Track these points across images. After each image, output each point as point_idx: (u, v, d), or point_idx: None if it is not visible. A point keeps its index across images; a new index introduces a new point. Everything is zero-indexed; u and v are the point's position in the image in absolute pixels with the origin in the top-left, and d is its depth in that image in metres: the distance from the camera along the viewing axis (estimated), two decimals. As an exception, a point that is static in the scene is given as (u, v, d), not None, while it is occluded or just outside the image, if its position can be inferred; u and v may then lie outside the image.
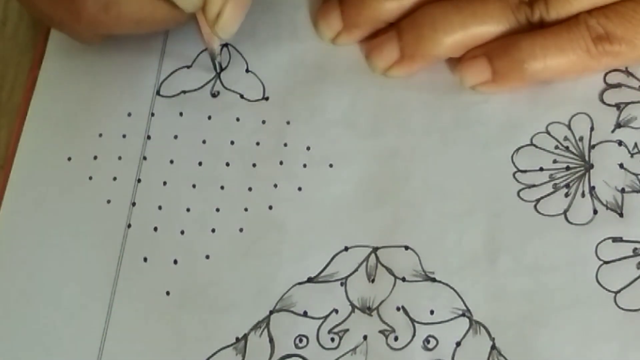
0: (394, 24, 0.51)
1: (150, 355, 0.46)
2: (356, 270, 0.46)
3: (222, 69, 0.51)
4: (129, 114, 0.51)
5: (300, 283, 0.46)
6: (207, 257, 0.48)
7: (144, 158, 0.50)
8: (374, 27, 0.51)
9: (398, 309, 0.45)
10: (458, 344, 0.44)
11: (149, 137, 0.50)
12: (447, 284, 0.45)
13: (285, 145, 0.50)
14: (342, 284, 0.46)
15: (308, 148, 0.49)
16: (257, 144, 0.50)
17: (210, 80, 0.51)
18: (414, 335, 0.45)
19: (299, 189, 0.49)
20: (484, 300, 0.45)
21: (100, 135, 0.50)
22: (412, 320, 0.45)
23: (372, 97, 0.51)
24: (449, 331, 0.45)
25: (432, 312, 0.45)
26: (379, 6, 0.50)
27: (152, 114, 0.51)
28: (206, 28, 0.48)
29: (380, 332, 0.45)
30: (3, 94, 0.53)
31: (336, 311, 0.46)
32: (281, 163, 0.49)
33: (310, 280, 0.46)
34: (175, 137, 0.50)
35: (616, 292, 0.45)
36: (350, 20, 0.51)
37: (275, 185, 0.49)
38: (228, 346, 0.46)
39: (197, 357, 0.45)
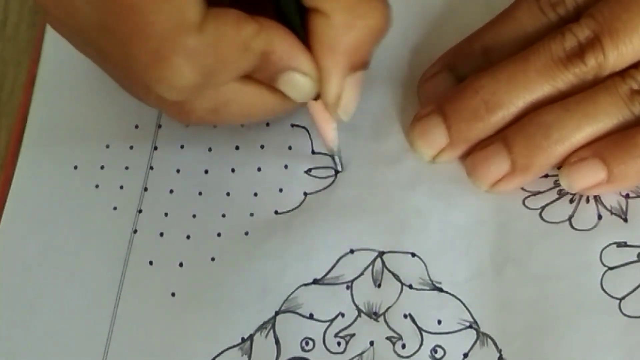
0: (495, 133, 0.47)
1: (155, 355, 0.46)
2: (362, 274, 0.47)
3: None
4: (136, 126, 0.51)
5: (305, 284, 0.47)
6: (213, 259, 0.48)
7: (151, 168, 0.50)
8: (481, 139, 0.48)
9: (405, 316, 0.46)
10: (465, 355, 0.45)
11: (155, 148, 0.50)
12: (454, 295, 0.46)
13: (290, 148, 0.50)
14: (347, 287, 0.46)
15: (313, 152, 0.50)
16: (262, 147, 0.50)
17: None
18: (421, 344, 0.45)
19: (305, 193, 0.49)
20: (491, 312, 0.45)
21: (108, 146, 0.51)
22: (420, 329, 0.45)
23: (376, 98, 0.51)
24: (457, 342, 0.45)
25: (439, 322, 0.45)
26: (493, 117, 0.47)
27: (159, 126, 0.51)
28: (322, 115, 0.46)
29: (388, 338, 0.45)
30: (3, 94, 0.53)
31: (342, 315, 0.46)
32: (286, 167, 0.49)
33: (315, 282, 0.47)
34: (182, 146, 0.50)
35: (620, 299, 0.45)
36: (460, 135, 0.47)
37: (281, 190, 0.49)
38: (234, 346, 0.46)
39: (202, 357, 0.46)
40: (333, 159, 0.48)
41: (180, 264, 0.48)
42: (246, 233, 0.48)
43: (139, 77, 0.42)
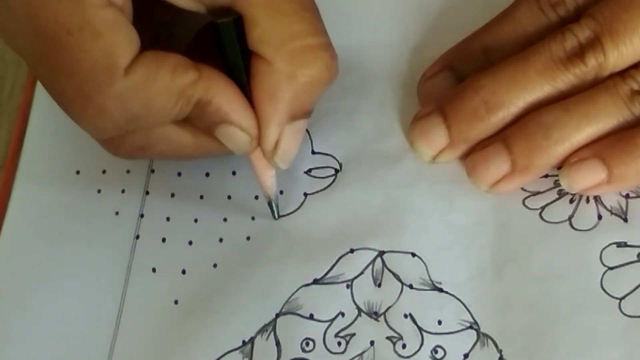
0: (495, 133, 0.47)
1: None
2: (362, 273, 0.47)
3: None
4: None
5: (306, 285, 0.47)
6: (215, 265, 0.48)
7: (152, 171, 0.50)
8: (481, 139, 0.48)
9: (405, 316, 0.46)
10: (466, 355, 0.45)
11: None
12: (454, 296, 0.46)
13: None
14: (347, 287, 0.46)
15: (313, 152, 0.50)
16: None
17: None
18: (422, 344, 0.45)
19: (305, 194, 0.49)
20: (491, 312, 0.45)
21: None
22: (420, 329, 0.45)
23: (376, 98, 0.51)
24: (457, 342, 0.45)
25: (439, 322, 0.45)
26: (493, 117, 0.47)
27: None
28: (260, 161, 0.46)
29: (388, 338, 0.45)
30: (3, 94, 0.53)
31: (342, 314, 0.46)
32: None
33: (315, 281, 0.47)
34: None
35: (620, 299, 0.45)
36: (460, 135, 0.47)
37: (282, 192, 0.49)
38: (235, 349, 0.46)
39: (203, 361, 0.46)
40: (270, 205, 0.48)
41: (183, 271, 0.48)
42: (248, 238, 0.48)
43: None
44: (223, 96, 0.43)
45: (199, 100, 0.42)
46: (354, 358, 0.45)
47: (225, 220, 0.49)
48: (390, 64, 0.51)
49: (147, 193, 0.50)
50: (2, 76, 0.54)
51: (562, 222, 0.47)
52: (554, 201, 0.47)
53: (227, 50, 0.43)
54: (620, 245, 0.46)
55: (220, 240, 0.48)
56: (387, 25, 0.52)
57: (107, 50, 0.40)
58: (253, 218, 0.49)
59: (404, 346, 0.45)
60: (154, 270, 0.48)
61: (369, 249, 0.47)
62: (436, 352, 0.45)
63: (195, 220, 0.49)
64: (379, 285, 0.46)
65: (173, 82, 0.41)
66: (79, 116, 0.42)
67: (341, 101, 0.51)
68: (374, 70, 0.51)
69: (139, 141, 0.44)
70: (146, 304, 0.47)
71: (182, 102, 0.42)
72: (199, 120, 0.43)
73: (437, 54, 0.50)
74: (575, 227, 0.47)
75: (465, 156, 0.48)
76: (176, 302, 0.47)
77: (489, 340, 0.45)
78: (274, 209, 0.48)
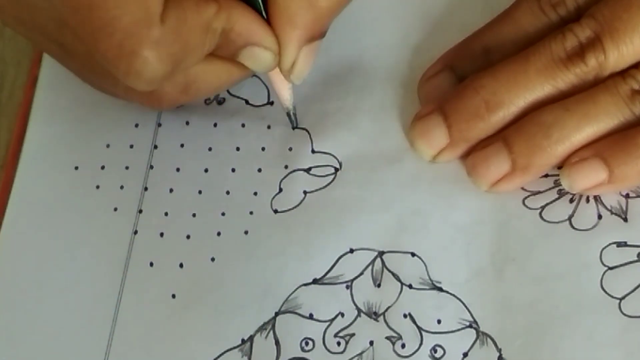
0: (496, 133, 0.47)
1: (156, 357, 0.46)
2: (361, 273, 0.47)
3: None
4: (136, 125, 0.51)
5: (305, 284, 0.47)
6: (213, 259, 0.48)
7: (151, 167, 0.50)
8: (481, 138, 0.48)
9: (405, 316, 0.46)
10: (465, 354, 0.45)
11: (155, 147, 0.51)
12: (454, 295, 0.46)
13: (290, 149, 0.50)
14: (347, 287, 0.46)
15: (313, 151, 0.50)
16: (263, 149, 0.50)
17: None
18: (421, 344, 0.45)
19: (304, 192, 0.49)
20: (491, 311, 0.45)
21: (108, 145, 0.51)
22: (420, 329, 0.45)
23: (376, 98, 0.51)
24: (456, 342, 0.45)
25: (439, 322, 0.45)
26: (493, 117, 0.47)
27: (159, 124, 0.51)
28: (278, 76, 0.47)
29: (387, 338, 0.45)
30: (3, 94, 0.53)
31: (342, 315, 0.46)
32: (286, 167, 0.49)
33: (315, 281, 0.47)
34: (182, 145, 0.50)
35: (620, 299, 0.45)
36: (461, 135, 0.47)
37: (281, 190, 0.49)
38: (234, 348, 0.46)
39: (203, 359, 0.46)
40: (289, 116, 0.50)
41: (181, 265, 0.48)
42: (246, 232, 0.48)
43: (106, 71, 0.43)
44: (243, 21, 0.44)
45: (223, 30, 0.43)
46: (353, 358, 0.45)
47: (223, 214, 0.49)
48: (390, 64, 0.51)
49: (146, 189, 0.50)
50: (2, 76, 0.54)
51: (562, 221, 0.47)
52: (554, 201, 0.47)
53: None
54: (620, 245, 0.46)
55: (219, 234, 0.48)
56: (388, 25, 0.52)
57: (141, 2, 0.41)
58: (251, 213, 0.49)
59: (403, 346, 0.45)
60: (151, 264, 0.48)
61: (369, 249, 0.47)
62: (435, 351, 0.45)
63: (194, 215, 0.49)
64: (379, 286, 0.46)
65: (200, 18, 0.42)
66: (127, 72, 0.42)
67: (342, 101, 0.51)
68: (374, 70, 0.51)
69: (179, 85, 0.45)
70: (144, 298, 0.47)
71: (210, 35, 0.43)
72: (224, 49, 0.44)
73: (438, 54, 0.50)
74: (575, 226, 0.47)
75: (466, 156, 0.48)
76: (174, 295, 0.47)
77: (489, 339, 0.45)
78: (293, 118, 0.50)
